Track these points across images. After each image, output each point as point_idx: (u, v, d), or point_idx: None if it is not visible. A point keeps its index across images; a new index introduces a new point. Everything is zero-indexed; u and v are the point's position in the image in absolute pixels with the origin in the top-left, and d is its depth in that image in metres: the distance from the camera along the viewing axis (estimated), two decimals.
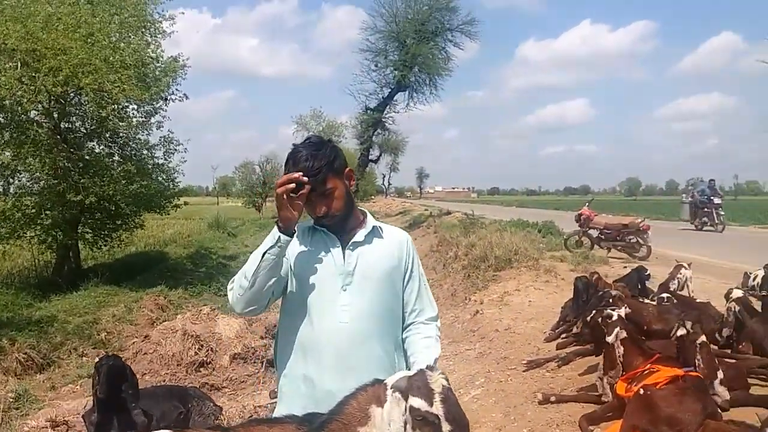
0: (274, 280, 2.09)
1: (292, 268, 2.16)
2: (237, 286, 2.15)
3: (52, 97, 12.79)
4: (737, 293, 4.89)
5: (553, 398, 4.50)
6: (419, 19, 25.05)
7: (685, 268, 6.69)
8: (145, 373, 7.14)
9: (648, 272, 7.31)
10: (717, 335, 4.96)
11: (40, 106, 12.97)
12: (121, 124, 14.20)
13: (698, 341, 3.82)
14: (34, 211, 13.81)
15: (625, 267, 9.96)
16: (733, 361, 4.07)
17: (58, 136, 13.59)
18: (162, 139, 16.17)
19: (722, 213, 20.28)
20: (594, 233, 13.48)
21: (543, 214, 28.41)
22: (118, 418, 3.89)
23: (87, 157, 14.41)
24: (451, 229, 19.72)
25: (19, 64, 12.08)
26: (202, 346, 7.58)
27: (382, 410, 1.80)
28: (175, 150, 16.33)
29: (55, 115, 13.69)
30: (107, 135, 14.99)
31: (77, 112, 14.49)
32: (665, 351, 4.16)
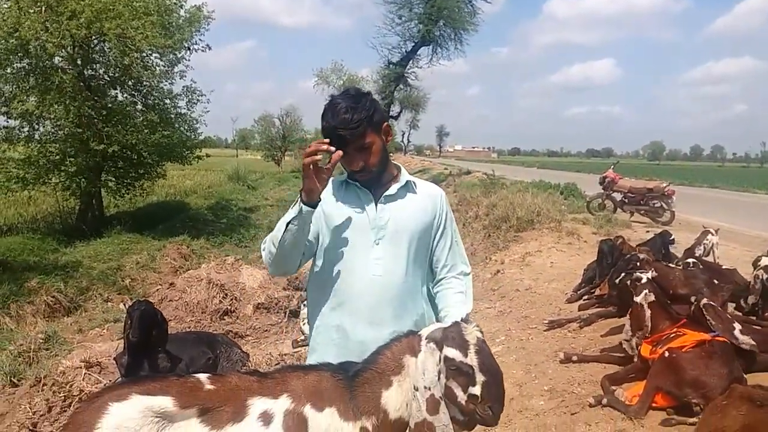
0: (301, 245, 2.11)
1: (326, 222, 2.16)
2: (267, 252, 2.15)
3: (76, 43, 12.78)
4: (766, 261, 4.82)
5: (575, 357, 4.52)
6: None
7: (712, 234, 6.59)
8: (170, 320, 7.25)
9: (672, 237, 7.22)
10: (742, 302, 4.93)
11: (64, 51, 12.99)
12: (144, 72, 14.18)
13: (701, 303, 3.80)
14: (58, 157, 14.03)
15: (648, 231, 9.86)
16: (759, 327, 4.03)
17: (82, 84, 13.65)
18: (185, 89, 16.18)
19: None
20: (618, 197, 13.31)
21: (565, 176, 28.11)
22: (149, 362, 3.99)
23: (110, 105, 14.52)
24: (472, 188, 19.60)
25: (43, 8, 12.05)
26: (226, 295, 7.71)
27: (416, 360, 1.82)
28: (198, 100, 16.34)
29: (79, 62, 13.72)
30: (130, 83, 15.03)
31: (101, 59, 14.50)
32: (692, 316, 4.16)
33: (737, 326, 3.70)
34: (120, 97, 15.36)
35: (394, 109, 30.18)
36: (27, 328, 7.98)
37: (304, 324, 5.66)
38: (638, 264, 4.80)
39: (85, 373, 4.65)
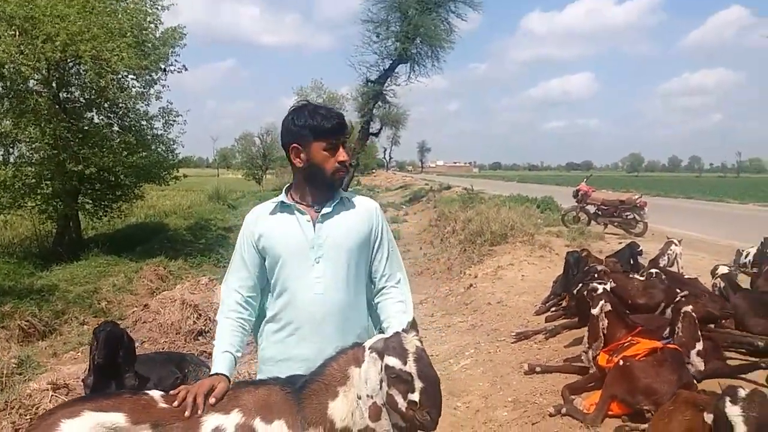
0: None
1: (266, 248, 2.24)
2: None
3: (51, 65, 12.75)
4: (723, 269, 5.01)
5: (538, 368, 4.63)
6: None
7: (675, 245, 6.78)
8: (144, 341, 7.28)
9: (640, 248, 7.42)
10: None
11: (39, 74, 12.96)
12: (120, 94, 14.16)
13: (682, 310, 3.91)
14: (34, 180, 13.88)
15: (620, 243, 10.05)
16: (709, 334, 4.16)
17: (58, 106, 13.58)
18: (161, 110, 16.14)
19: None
20: (591, 209, 13.54)
21: (543, 190, 28.49)
22: (116, 382, 4.01)
23: (86, 128, 14.42)
24: (451, 203, 19.81)
25: (17, 32, 12.04)
26: (200, 315, 7.71)
27: (360, 370, 1.91)
28: (174, 121, 16.31)
29: (54, 85, 13.66)
30: (106, 105, 14.96)
31: (76, 81, 14.45)
32: (648, 324, 4.29)
33: (698, 346, 3.80)
34: (96, 119, 15.27)
35: (374, 126, 30.31)
36: (0, 353, 7.89)
37: None
38: (596, 275, 4.93)
39: (52, 395, 4.65)
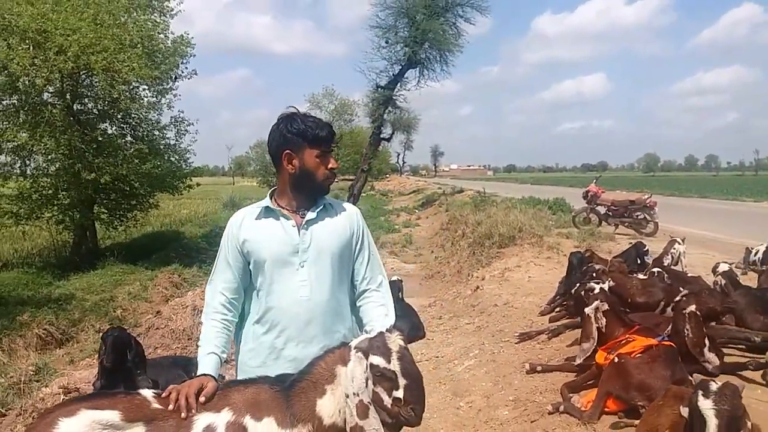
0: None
1: (250, 251, 2.31)
2: None
3: (64, 77, 13.04)
4: (723, 267, 5.01)
5: (539, 368, 4.67)
6: None
7: (679, 243, 6.77)
8: (157, 347, 7.42)
9: (646, 248, 7.43)
10: None
11: (52, 86, 13.27)
12: (132, 104, 14.42)
13: (686, 310, 3.93)
14: (51, 191, 14.22)
15: (630, 243, 10.03)
16: (706, 331, 4.16)
17: (72, 118, 13.88)
18: (173, 120, 16.38)
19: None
20: (601, 210, 13.51)
21: (556, 191, 28.37)
22: (125, 385, 4.12)
23: (100, 138, 14.71)
24: (462, 207, 19.82)
25: (31, 46, 12.34)
26: None
27: (346, 369, 1.98)
28: (186, 131, 16.53)
29: (68, 97, 13.97)
30: (119, 116, 15.26)
31: (89, 93, 14.76)
32: (646, 322, 4.32)
33: (707, 343, 3.83)
34: (109, 130, 15.58)
35: (386, 131, 30.43)
36: (18, 361, 8.08)
37: None
38: (594, 275, 4.96)
39: (63, 399, 4.78)
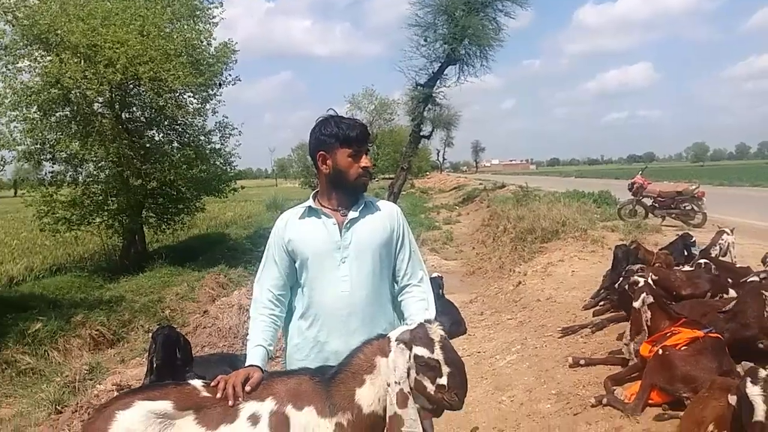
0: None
1: (296, 252, 2.42)
2: None
3: (113, 88, 13.51)
4: None
5: (582, 361, 4.63)
6: None
7: (728, 234, 6.58)
8: (204, 346, 7.64)
9: (693, 239, 7.23)
10: None
11: (102, 97, 13.76)
12: (178, 111, 14.81)
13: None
14: (101, 198, 14.75)
15: (677, 235, 9.79)
16: None
17: (120, 126, 14.36)
18: (218, 125, 16.74)
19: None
20: (648, 202, 13.19)
21: (602, 184, 27.78)
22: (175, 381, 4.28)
23: (148, 145, 15.19)
24: (504, 202, 19.65)
25: (82, 60, 12.83)
26: None
27: (386, 359, 2.05)
28: (231, 134, 16.88)
29: (117, 106, 14.45)
30: (165, 123, 15.69)
31: (137, 102, 15.23)
32: (692, 314, 4.24)
33: None
34: (157, 137, 16.05)
35: (426, 129, 30.34)
36: (73, 360, 8.45)
37: None
38: (636, 271, 4.86)
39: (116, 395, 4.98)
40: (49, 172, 14.88)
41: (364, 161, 2.40)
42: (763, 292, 3.82)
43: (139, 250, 15.92)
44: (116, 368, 7.53)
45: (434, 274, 6.99)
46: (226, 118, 16.90)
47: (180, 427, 2.05)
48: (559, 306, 6.73)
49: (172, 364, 4.28)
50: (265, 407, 2.09)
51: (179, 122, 15.94)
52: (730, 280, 5.24)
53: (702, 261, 5.60)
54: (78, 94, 13.10)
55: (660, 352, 3.61)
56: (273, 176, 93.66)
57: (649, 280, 4.26)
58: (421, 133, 29.15)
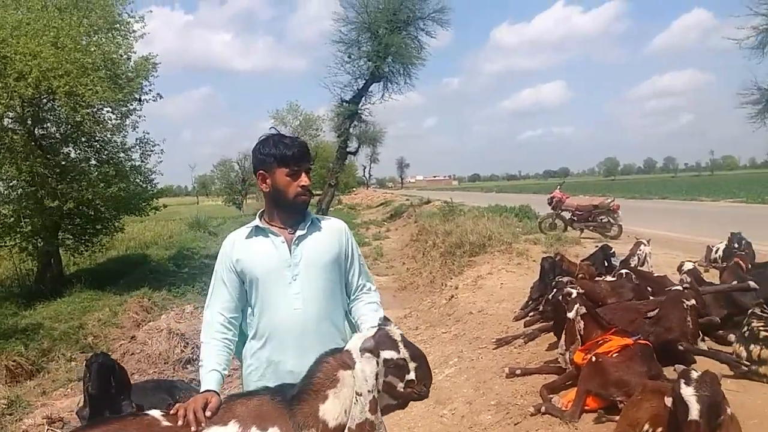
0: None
1: (244, 270, 2.41)
2: None
3: (25, 102, 12.80)
4: (688, 265, 5.23)
5: (518, 371, 4.81)
6: (390, 8, 25.02)
7: (645, 245, 7.03)
8: (133, 373, 7.32)
9: (613, 250, 7.69)
10: None
11: (13, 112, 12.99)
12: (96, 127, 14.20)
13: (687, 303, 4.18)
14: (12, 219, 13.85)
15: (597, 246, 10.30)
16: None
17: (33, 143, 13.59)
18: (138, 141, 16.17)
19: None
20: (567, 215, 13.83)
21: (521, 199, 28.81)
22: (110, 412, 4.10)
23: (63, 163, 14.44)
24: (431, 217, 20.02)
25: None
26: (187, 343, 7.79)
27: (350, 372, 2.10)
28: (152, 151, 16.33)
29: (29, 122, 13.69)
30: (83, 139, 14.97)
31: (51, 117, 14.47)
32: (621, 320, 4.51)
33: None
34: (73, 154, 15.27)
35: (352, 145, 30.60)
36: None
37: None
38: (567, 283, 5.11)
39: (48, 429, 4.72)
40: None
41: (303, 180, 2.41)
42: (684, 300, 4.12)
43: (55, 273, 15.05)
44: (37, 401, 7.09)
45: None
46: (147, 134, 16.36)
47: None
48: (491, 318, 6.94)
49: (107, 393, 4.11)
50: (228, 431, 2.07)
51: (97, 138, 15.24)
52: (650, 289, 5.61)
53: (623, 271, 5.95)
54: None
55: (593, 359, 3.81)
56: (194, 194, 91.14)
57: (581, 291, 4.48)
58: (348, 149, 29.40)
